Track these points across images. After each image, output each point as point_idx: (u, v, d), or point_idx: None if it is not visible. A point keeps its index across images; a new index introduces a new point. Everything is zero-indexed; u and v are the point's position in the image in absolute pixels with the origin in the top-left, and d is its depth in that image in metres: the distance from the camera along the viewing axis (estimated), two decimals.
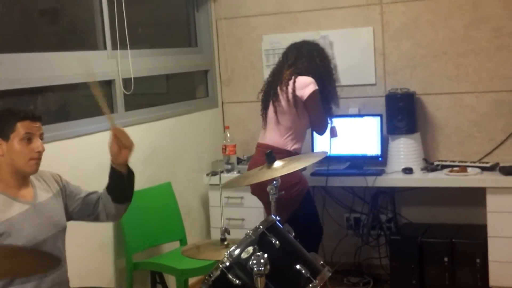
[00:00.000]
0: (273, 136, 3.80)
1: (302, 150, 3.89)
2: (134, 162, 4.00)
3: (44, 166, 2.85)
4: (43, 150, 2.63)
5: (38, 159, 2.62)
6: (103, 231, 3.79)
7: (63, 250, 2.75)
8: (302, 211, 3.67)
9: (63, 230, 2.75)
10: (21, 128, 2.57)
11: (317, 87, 3.72)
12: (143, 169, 4.12)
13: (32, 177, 2.72)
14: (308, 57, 3.81)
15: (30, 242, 2.56)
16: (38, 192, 2.70)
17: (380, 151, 4.42)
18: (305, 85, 3.71)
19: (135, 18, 4.19)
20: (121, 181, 2.77)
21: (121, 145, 2.67)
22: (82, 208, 2.83)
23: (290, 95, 3.70)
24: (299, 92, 3.70)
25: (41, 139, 2.64)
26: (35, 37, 3.72)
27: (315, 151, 4.53)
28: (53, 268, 2.49)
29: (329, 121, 3.94)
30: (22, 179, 2.64)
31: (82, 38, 4.06)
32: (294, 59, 3.83)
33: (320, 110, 3.79)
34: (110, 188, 2.80)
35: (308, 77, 3.73)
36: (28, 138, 2.58)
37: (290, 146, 3.77)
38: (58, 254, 2.67)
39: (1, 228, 2.51)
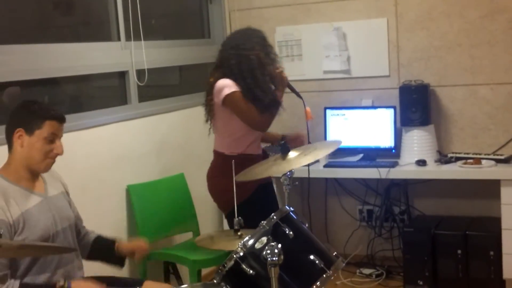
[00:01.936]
0: (216, 141, 3.63)
1: (251, 150, 3.49)
2: (148, 153, 4.05)
3: (58, 157, 2.86)
4: (62, 153, 2.65)
5: (54, 159, 2.65)
6: (117, 221, 3.81)
7: (73, 244, 2.77)
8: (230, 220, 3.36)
9: (72, 224, 2.78)
10: (48, 127, 2.58)
11: (232, 90, 3.34)
12: (156, 161, 4.13)
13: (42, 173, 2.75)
14: (235, 53, 3.41)
15: (45, 234, 2.59)
16: (49, 187, 2.73)
17: (393, 143, 4.40)
18: (219, 90, 3.37)
19: (149, 10, 4.19)
20: (106, 260, 2.91)
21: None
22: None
23: (211, 103, 3.47)
24: (216, 99, 3.40)
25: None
26: (49, 28, 3.74)
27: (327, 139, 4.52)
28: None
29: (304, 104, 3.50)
30: (34, 173, 2.66)
31: (96, 29, 4.08)
32: (221, 59, 3.49)
33: (244, 110, 3.35)
34: (93, 253, 2.90)
35: (225, 80, 3.38)
36: (51, 139, 2.60)
37: (228, 150, 3.48)
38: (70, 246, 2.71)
39: (20, 219, 2.53)
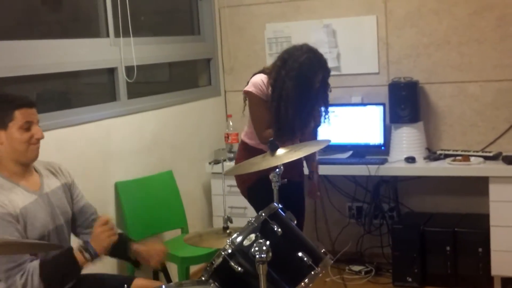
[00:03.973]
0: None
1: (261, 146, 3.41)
2: (137, 150, 4.04)
3: (46, 153, 2.85)
4: (43, 137, 2.61)
5: (38, 144, 2.61)
6: None
7: (67, 242, 2.75)
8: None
9: (69, 221, 2.75)
10: (19, 116, 2.54)
11: (251, 89, 3.36)
12: (145, 158, 4.12)
13: (39, 166, 2.72)
14: (280, 60, 3.34)
15: (43, 233, 2.57)
16: (45, 182, 2.69)
17: (383, 140, 4.41)
18: (247, 83, 3.44)
19: (138, 6, 4.17)
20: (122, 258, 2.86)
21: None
22: (77, 216, 2.82)
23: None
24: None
25: (38, 125, 2.62)
26: (38, 24, 3.71)
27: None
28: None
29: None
30: (25, 167, 2.63)
31: (85, 26, 4.05)
32: (278, 57, 3.42)
33: (251, 113, 3.40)
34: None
35: (257, 76, 3.40)
36: (27, 127, 2.56)
37: (246, 138, 3.53)
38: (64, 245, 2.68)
39: (20, 216, 2.51)
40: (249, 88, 3.39)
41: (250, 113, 3.44)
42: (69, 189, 2.80)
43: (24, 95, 2.64)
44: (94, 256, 2.53)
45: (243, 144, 3.57)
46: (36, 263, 2.47)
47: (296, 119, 3.30)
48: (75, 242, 2.81)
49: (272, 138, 2.90)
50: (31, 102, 2.61)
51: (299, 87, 3.25)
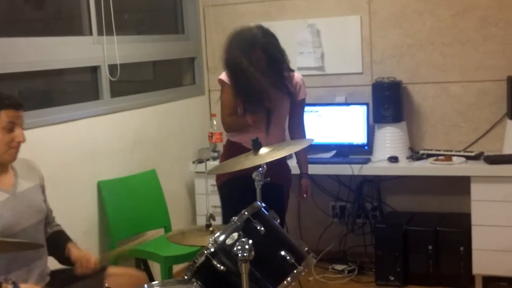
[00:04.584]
0: None
1: (239, 139, 3.48)
2: (120, 149, 4.02)
3: (28, 152, 2.83)
4: (24, 140, 2.59)
5: (18, 147, 2.59)
6: (88, 217, 3.78)
7: (43, 240, 2.73)
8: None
9: (43, 220, 2.73)
10: (4, 116, 2.52)
11: (220, 77, 3.49)
12: (128, 156, 4.10)
13: (15, 165, 2.69)
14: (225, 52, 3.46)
15: (8, 231, 2.53)
16: (20, 181, 2.67)
17: (366, 139, 4.43)
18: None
19: (122, 4, 4.15)
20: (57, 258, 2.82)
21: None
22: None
23: None
24: None
25: (22, 127, 2.60)
26: (20, 22, 3.68)
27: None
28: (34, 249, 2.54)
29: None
30: (1, 166, 2.61)
31: (68, 24, 4.03)
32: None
33: (220, 99, 3.53)
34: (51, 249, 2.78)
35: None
36: (10, 128, 2.54)
37: (229, 136, 3.58)
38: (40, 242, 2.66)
39: None
40: (221, 75, 3.49)
41: (220, 100, 3.52)
42: (42, 188, 2.79)
43: (13, 95, 2.61)
44: None
45: (226, 141, 3.61)
46: None
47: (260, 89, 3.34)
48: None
49: (255, 138, 2.89)
50: (19, 104, 2.59)
51: (241, 80, 3.35)
